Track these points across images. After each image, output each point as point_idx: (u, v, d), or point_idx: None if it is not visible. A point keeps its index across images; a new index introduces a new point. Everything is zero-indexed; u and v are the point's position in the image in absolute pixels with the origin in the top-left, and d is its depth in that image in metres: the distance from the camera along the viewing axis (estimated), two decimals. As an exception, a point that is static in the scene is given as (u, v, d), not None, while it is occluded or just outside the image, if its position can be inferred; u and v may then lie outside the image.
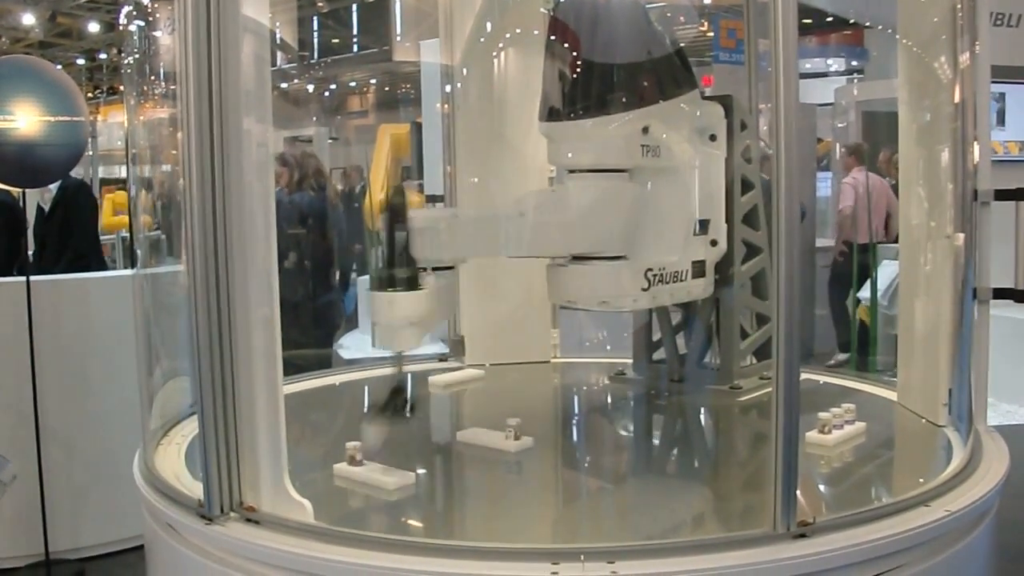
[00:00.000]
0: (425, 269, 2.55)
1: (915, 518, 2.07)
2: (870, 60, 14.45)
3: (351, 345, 8.35)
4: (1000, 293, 2.86)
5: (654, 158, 2.83)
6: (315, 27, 19.63)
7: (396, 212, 2.39)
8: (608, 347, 4.52)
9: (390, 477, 2.38)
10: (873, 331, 7.31)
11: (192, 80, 2.02)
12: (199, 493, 2.17)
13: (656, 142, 2.83)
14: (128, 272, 5.09)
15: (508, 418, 2.67)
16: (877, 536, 1.98)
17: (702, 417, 3.26)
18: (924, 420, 2.90)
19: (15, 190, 4.83)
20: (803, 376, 2.01)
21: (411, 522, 2.34)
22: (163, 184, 3.23)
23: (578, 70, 2.75)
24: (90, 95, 24.30)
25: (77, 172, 5.70)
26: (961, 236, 2.77)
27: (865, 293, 7.55)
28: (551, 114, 2.80)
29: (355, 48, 20.53)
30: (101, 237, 7.31)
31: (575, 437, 3.15)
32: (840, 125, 10.76)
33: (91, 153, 12.10)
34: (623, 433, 3.21)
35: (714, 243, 3.07)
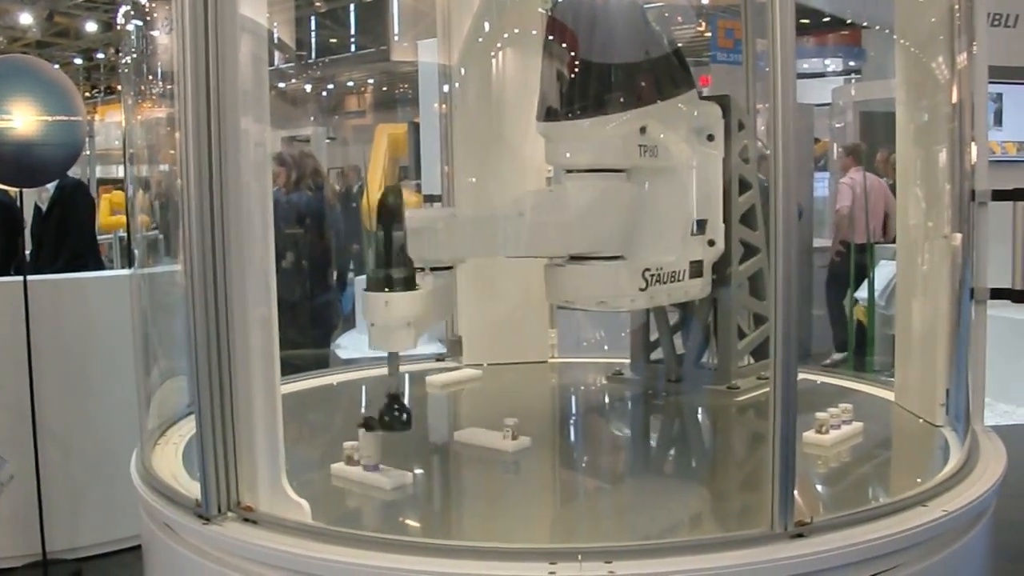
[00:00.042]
0: (422, 269, 2.55)
1: (912, 518, 2.08)
2: (868, 60, 14.45)
3: (348, 345, 8.35)
4: (997, 293, 2.86)
5: (652, 158, 2.83)
6: (313, 27, 19.62)
7: (392, 212, 2.38)
8: (606, 347, 4.52)
9: (388, 477, 2.38)
10: (870, 331, 7.32)
11: (190, 80, 2.02)
12: (196, 493, 2.17)
13: (654, 142, 2.83)
14: (125, 272, 5.09)
15: (506, 418, 2.67)
16: (874, 536, 1.99)
17: (699, 417, 3.26)
18: (921, 420, 2.90)
19: (12, 190, 4.83)
20: (800, 376, 2.01)
21: (409, 522, 2.34)
22: (160, 184, 3.23)
23: (576, 70, 2.75)
24: (87, 95, 24.28)
25: (74, 172, 5.69)
26: (958, 236, 2.77)
27: (862, 293, 7.55)
28: (549, 114, 2.81)
29: (353, 48, 20.53)
30: (98, 237, 7.31)
31: (573, 437, 3.15)
32: (838, 125, 10.76)
33: (88, 153, 12.08)
34: (620, 433, 3.21)
35: (712, 243, 3.07)
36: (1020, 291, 2.87)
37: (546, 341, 3.93)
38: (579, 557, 1.87)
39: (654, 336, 3.45)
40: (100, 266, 6.04)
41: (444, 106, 3.97)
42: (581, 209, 2.77)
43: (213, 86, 2.03)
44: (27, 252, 5.30)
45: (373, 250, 2.42)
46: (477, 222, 2.82)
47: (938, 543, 2.12)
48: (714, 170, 3.08)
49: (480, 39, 3.75)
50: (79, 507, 4.49)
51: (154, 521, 2.34)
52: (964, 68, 2.77)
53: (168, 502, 2.29)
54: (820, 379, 3.50)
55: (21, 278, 4.23)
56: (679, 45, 3.02)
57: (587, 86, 2.75)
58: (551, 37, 2.82)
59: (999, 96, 7.57)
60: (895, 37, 3.05)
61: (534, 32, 3.48)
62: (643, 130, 2.80)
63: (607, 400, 3.53)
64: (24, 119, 4.19)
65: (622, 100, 2.77)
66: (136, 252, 3.34)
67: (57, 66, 5.53)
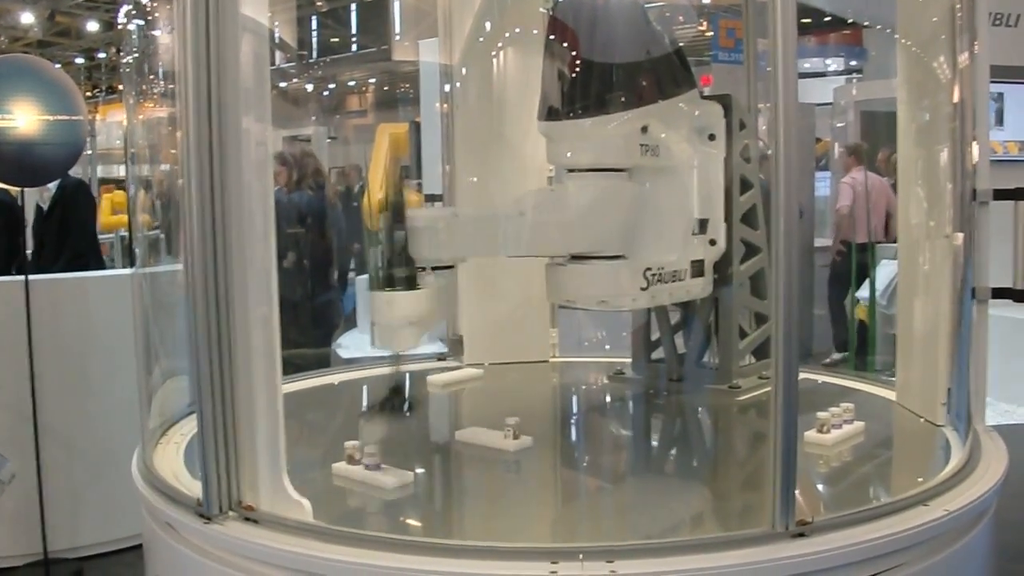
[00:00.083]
0: (424, 268, 2.55)
1: (914, 517, 2.07)
2: (869, 60, 14.44)
3: (350, 344, 8.36)
4: (999, 293, 2.86)
5: (653, 157, 2.83)
6: (314, 26, 19.62)
7: (395, 211, 2.39)
8: (607, 346, 4.52)
9: (389, 477, 2.38)
10: (872, 331, 7.31)
11: (191, 79, 2.02)
12: (198, 492, 2.17)
13: (655, 141, 2.83)
14: (127, 271, 5.09)
15: (507, 417, 2.67)
16: (876, 535, 1.98)
17: (701, 416, 3.26)
18: (923, 419, 2.90)
19: (14, 189, 4.83)
20: (801, 375, 2.01)
21: (410, 521, 2.34)
22: (162, 183, 3.23)
23: (577, 69, 2.75)
24: (89, 94, 24.27)
25: (76, 171, 5.69)
26: (960, 236, 2.77)
27: (864, 293, 7.55)
28: (550, 113, 2.81)
29: (354, 47, 20.52)
30: (99, 236, 7.31)
31: (574, 436, 3.15)
32: (839, 125, 10.75)
33: (90, 152, 12.09)
34: (622, 432, 3.22)
35: (713, 242, 3.07)
36: (1021, 290, 2.87)
37: (547, 341, 3.93)
38: (581, 556, 1.87)
39: (655, 335, 3.45)
40: (101, 265, 6.04)
41: (445, 106, 3.97)
42: (582, 208, 2.77)
43: (214, 85, 2.03)
44: (28, 251, 5.30)
45: (375, 249, 2.42)
46: (478, 221, 2.82)
47: (939, 543, 2.12)
48: (715, 169, 3.08)
49: (481, 39, 3.75)
50: (80, 506, 4.49)
51: (155, 520, 2.34)
52: (965, 68, 2.77)
53: (169, 501, 2.29)
54: (821, 378, 3.50)
55: (22, 277, 4.23)
56: (680, 44, 3.02)
57: (588, 85, 2.75)
58: (552, 37, 2.82)
59: (1000, 96, 7.56)
60: (896, 36, 3.05)
61: (535, 32, 3.48)
62: (644, 129, 2.80)
63: (608, 400, 3.54)
64: (26, 118, 4.19)
65: (623, 99, 2.77)
66: (137, 251, 3.34)
67: (58, 65, 5.53)
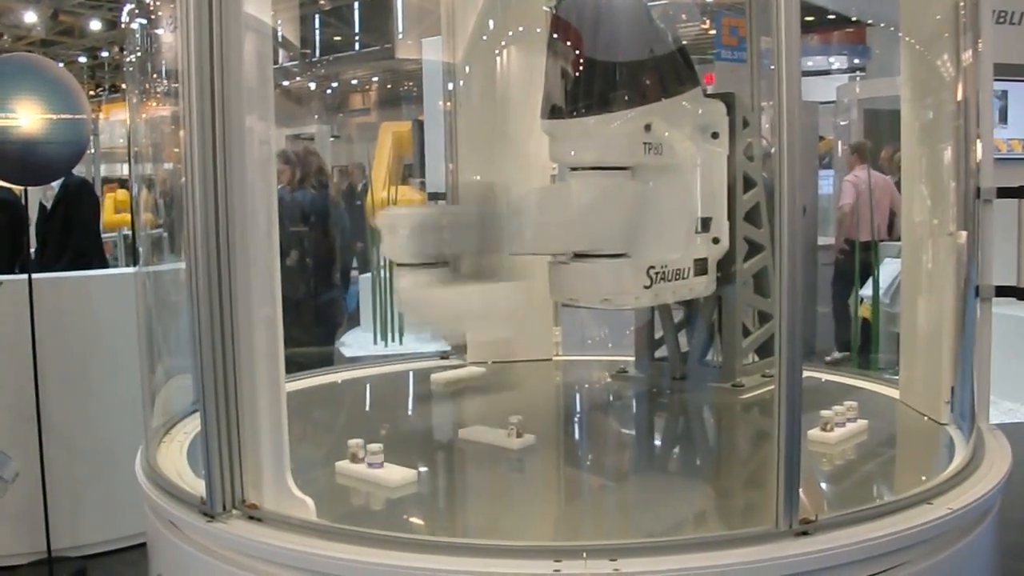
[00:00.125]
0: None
1: (917, 516, 2.07)
2: (872, 58, 14.45)
3: (353, 343, 8.38)
4: (1002, 291, 2.86)
5: (656, 156, 2.83)
6: (317, 25, 19.64)
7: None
8: (610, 345, 4.52)
9: (393, 475, 2.39)
10: (875, 329, 7.31)
11: (194, 78, 2.02)
12: (201, 490, 2.17)
13: (658, 140, 2.83)
14: (130, 270, 5.09)
15: (510, 416, 2.67)
16: (879, 534, 1.98)
17: (704, 415, 3.26)
18: (926, 418, 2.90)
19: (17, 188, 4.84)
20: (805, 374, 2.01)
21: (413, 519, 2.34)
22: (165, 182, 3.23)
23: (580, 68, 2.75)
24: (92, 93, 24.31)
25: (79, 170, 5.70)
26: (964, 234, 2.76)
27: (867, 291, 7.54)
28: (553, 112, 2.80)
29: (357, 46, 20.54)
30: (102, 235, 7.31)
31: (577, 435, 3.15)
32: (842, 123, 10.75)
33: (93, 151, 12.11)
34: (625, 431, 3.21)
35: (716, 241, 3.07)
36: (1025, 289, 2.87)
37: (550, 339, 3.93)
38: (584, 555, 1.87)
39: (659, 334, 3.45)
40: (104, 264, 6.05)
41: (448, 104, 3.96)
42: (585, 206, 2.77)
43: (218, 84, 2.04)
44: (31, 250, 5.30)
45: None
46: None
47: (943, 541, 2.12)
48: (719, 168, 3.08)
49: (484, 37, 3.75)
50: (84, 505, 4.49)
51: (159, 519, 2.34)
52: (969, 65, 2.76)
53: (173, 500, 2.29)
54: (825, 377, 3.50)
55: (26, 276, 4.24)
56: (684, 43, 3.01)
57: (592, 84, 2.75)
58: (555, 35, 2.81)
59: (1004, 94, 7.56)
60: (900, 35, 3.04)
61: (538, 30, 3.48)
62: (648, 128, 2.80)
63: (611, 398, 3.53)
64: (29, 117, 4.19)
65: (627, 98, 2.77)
66: (141, 250, 3.34)
67: (61, 64, 5.53)
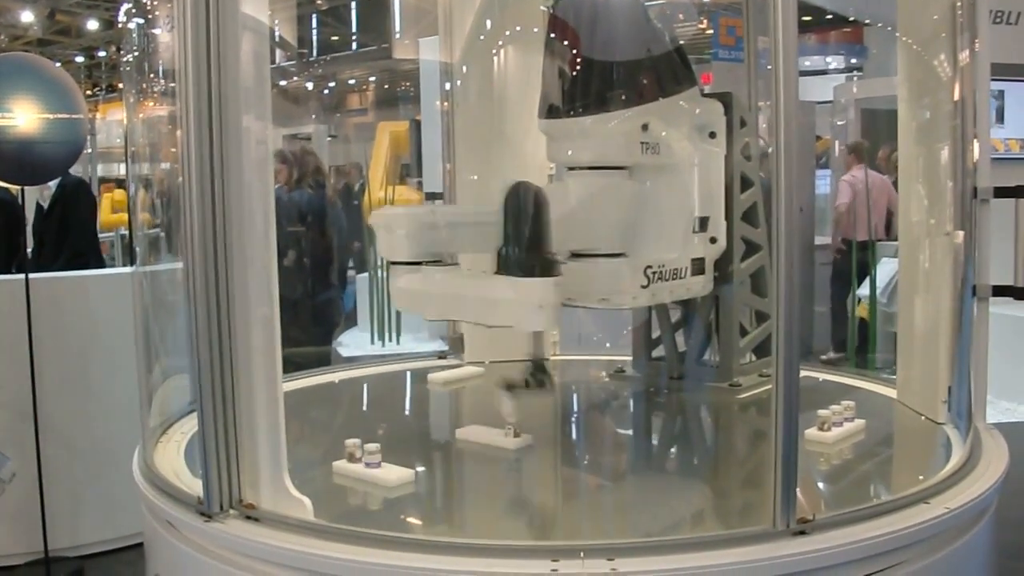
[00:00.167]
0: None
1: (914, 515, 2.07)
2: (869, 58, 14.46)
3: (350, 343, 8.37)
4: (1000, 290, 2.86)
5: (654, 155, 2.83)
6: (314, 24, 19.64)
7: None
8: (607, 344, 4.52)
9: (390, 474, 2.39)
10: (872, 328, 7.32)
11: (191, 77, 2.02)
12: (199, 490, 2.17)
13: (656, 139, 2.83)
14: (127, 270, 5.09)
15: (507, 415, 2.67)
16: (876, 533, 1.98)
17: (701, 414, 3.26)
18: (923, 417, 2.90)
19: (14, 187, 4.83)
20: (802, 373, 2.01)
21: (411, 519, 2.34)
22: (162, 182, 3.23)
23: (578, 67, 2.75)
24: (89, 93, 24.28)
25: (76, 170, 5.69)
26: (961, 233, 2.77)
27: (865, 291, 7.55)
28: (551, 111, 2.81)
29: (354, 46, 20.54)
30: (100, 235, 7.31)
31: (574, 434, 3.15)
32: (839, 123, 10.76)
33: (90, 151, 12.09)
34: (622, 430, 3.21)
35: (713, 240, 3.07)
36: (1022, 288, 2.87)
37: (548, 338, 3.93)
38: (581, 554, 1.87)
39: (656, 333, 3.45)
40: (101, 264, 6.04)
41: (446, 104, 3.96)
42: (583, 206, 2.76)
43: (215, 84, 2.03)
44: (28, 250, 5.30)
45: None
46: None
47: (940, 540, 2.12)
48: (716, 167, 3.08)
49: (482, 37, 3.75)
50: (81, 505, 4.49)
51: (156, 519, 2.34)
52: (966, 65, 2.77)
53: (170, 499, 2.29)
54: (822, 376, 3.50)
55: (23, 276, 4.23)
56: (681, 42, 3.01)
57: (589, 83, 2.75)
58: (553, 35, 2.81)
59: (1001, 93, 7.56)
60: (897, 34, 3.05)
61: (536, 30, 3.47)
62: (645, 127, 2.80)
63: (609, 398, 3.53)
64: (26, 117, 4.19)
65: (624, 97, 2.77)
66: (138, 250, 3.34)
67: (59, 64, 5.51)
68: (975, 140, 2.80)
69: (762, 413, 2.97)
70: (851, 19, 13.23)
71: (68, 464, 4.44)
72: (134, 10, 3.24)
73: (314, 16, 19.26)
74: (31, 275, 4.26)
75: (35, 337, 4.20)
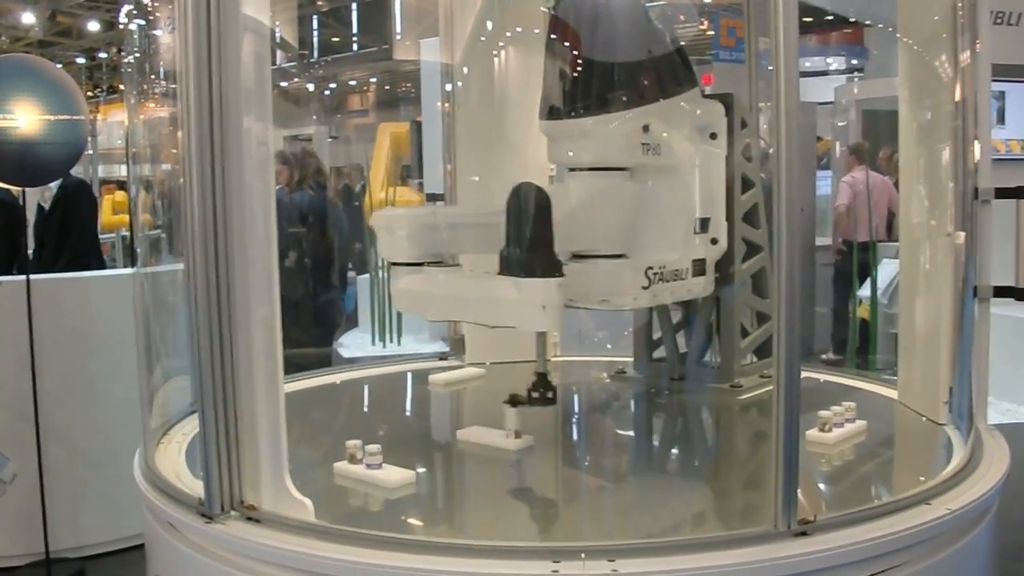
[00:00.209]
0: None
1: (916, 516, 2.07)
2: (870, 59, 14.44)
3: (351, 344, 8.36)
4: (1000, 291, 2.86)
5: (654, 156, 2.83)
6: (315, 26, 19.65)
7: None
8: (608, 345, 4.52)
9: (391, 476, 2.39)
10: (873, 329, 7.31)
11: (192, 78, 2.02)
12: (200, 492, 2.17)
13: (656, 140, 2.83)
14: (128, 271, 5.09)
15: (508, 416, 2.67)
16: (878, 534, 1.98)
17: (702, 415, 3.26)
18: (925, 418, 2.90)
19: (15, 189, 4.83)
20: (803, 374, 2.01)
21: (412, 520, 2.34)
22: (163, 183, 3.23)
23: (578, 68, 2.75)
24: (90, 94, 24.29)
25: (77, 171, 5.70)
26: (962, 234, 2.77)
27: (865, 292, 7.55)
28: (551, 112, 2.81)
29: (355, 47, 20.54)
30: (100, 236, 7.31)
31: (575, 435, 3.15)
32: (840, 124, 10.76)
33: (91, 152, 12.10)
34: (623, 431, 3.21)
35: (714, 241, 3.07)
36: (1023, 289, 2.87)
37: (549, 340, 3.92)
38: (582, 555, 1.87)
39: (657, 334, 3.45)
40: (102, 265, 6.05)
41: (447, 105, 3.96)
42: (583, 207, 2.76)
43: (216, 85, 2.03)
44: (29, 251, 5.30)
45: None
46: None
47: (941, 541, 2.12)
48: (717, 168, 3.08)
49: (482, 38, 3.75)
50: (82, 506, 4.49)
51: (157, 520, 2.34)
52: (967, 66, 2.77)
53: (171, 501, 2.29)
54: (823, 377, 3.50)
55: (24, 277, 4.24)
56: (682, 43, 3.01)
57: (590, 84, 2.75)
58: (554, 36, 2.82)
59: (1002, 94, 7.55)
60: (898, 35, 3.05)
61: (536, 31, 3.48)
62: (646, 128, 2.80)
63: (610, 399, 3.53)
64: (27, 118, 4.19)
65: (625, 98, 2.77)
66: (139, 251, 3.34)
67: (60, 65, 5.52)
68: (976, 141, 2.80)
69: (763, 414, 2.96)
70: (852, 20, 13.22)
71: (69, 465, 4.44)
72: (135, 11, 3.24)
73: (315, 17, 19.27)
74: (32, 276, 4.27)
75: (36, 338, 4.21)
